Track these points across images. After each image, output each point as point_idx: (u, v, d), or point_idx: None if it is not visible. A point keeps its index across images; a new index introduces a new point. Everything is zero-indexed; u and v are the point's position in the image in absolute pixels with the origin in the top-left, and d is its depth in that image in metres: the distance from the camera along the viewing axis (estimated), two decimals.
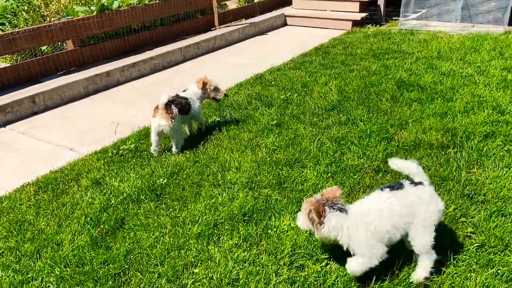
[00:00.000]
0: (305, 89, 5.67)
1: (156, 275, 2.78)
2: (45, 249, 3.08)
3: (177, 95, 4.44)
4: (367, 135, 4.28)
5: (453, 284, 2.57)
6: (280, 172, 3.82)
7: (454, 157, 3.82)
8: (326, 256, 2.80)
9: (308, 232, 3.04)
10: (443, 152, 3.93)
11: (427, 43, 7.41)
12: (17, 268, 2.95)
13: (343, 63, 6.65)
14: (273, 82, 6.04)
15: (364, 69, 6.26)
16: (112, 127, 5.12)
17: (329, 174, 3.72)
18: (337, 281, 2.60)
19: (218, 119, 5.01)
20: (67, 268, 2.88)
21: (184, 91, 4.56)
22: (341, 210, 2.51)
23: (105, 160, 4.29)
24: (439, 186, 3.43)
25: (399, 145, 4.10)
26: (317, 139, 4.31)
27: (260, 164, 3.96)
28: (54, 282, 2.78)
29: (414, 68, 6.12)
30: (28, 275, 2.87)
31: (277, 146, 4.27)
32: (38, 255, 3.03)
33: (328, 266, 2.74)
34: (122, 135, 4.86)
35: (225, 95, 4.78)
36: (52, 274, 2.84)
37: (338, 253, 2.83)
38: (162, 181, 3.80)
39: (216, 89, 4.68)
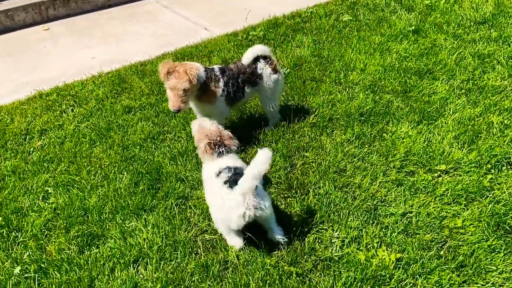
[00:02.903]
0: None
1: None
2: None
3: None
4: None
5: None
6: (408, 80, 3.61)
7: None
8: (442, 169, 2.72)
9: (425, 142, 2.95)
10: None
11: None
12: (156, 121, 3.43)
13: None
14: None
15: None
16: (245, 12, 5.22)
17: (462, 91, 3.42)
18: (447, 193, 2.55)
19: (350, 17, 4.76)
20: None
21: None
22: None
23: (235, 43, 4.48)
24: None
25: None
26: (457, 52, 3.89)
27: (387, 69, 3.78)
28: (184, 138, 3.20)
29: None
30: (164, 129, 3.35)
31: (409, 53, 3.98)
32: (173, 114, 3.47)
33: (441, 178, 2.67)
34: (252, 21, 4.95)
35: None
36: (183, 131, 3.27)
37: (457, 170, 2.73)
38: (285, 70, 3.89)
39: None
